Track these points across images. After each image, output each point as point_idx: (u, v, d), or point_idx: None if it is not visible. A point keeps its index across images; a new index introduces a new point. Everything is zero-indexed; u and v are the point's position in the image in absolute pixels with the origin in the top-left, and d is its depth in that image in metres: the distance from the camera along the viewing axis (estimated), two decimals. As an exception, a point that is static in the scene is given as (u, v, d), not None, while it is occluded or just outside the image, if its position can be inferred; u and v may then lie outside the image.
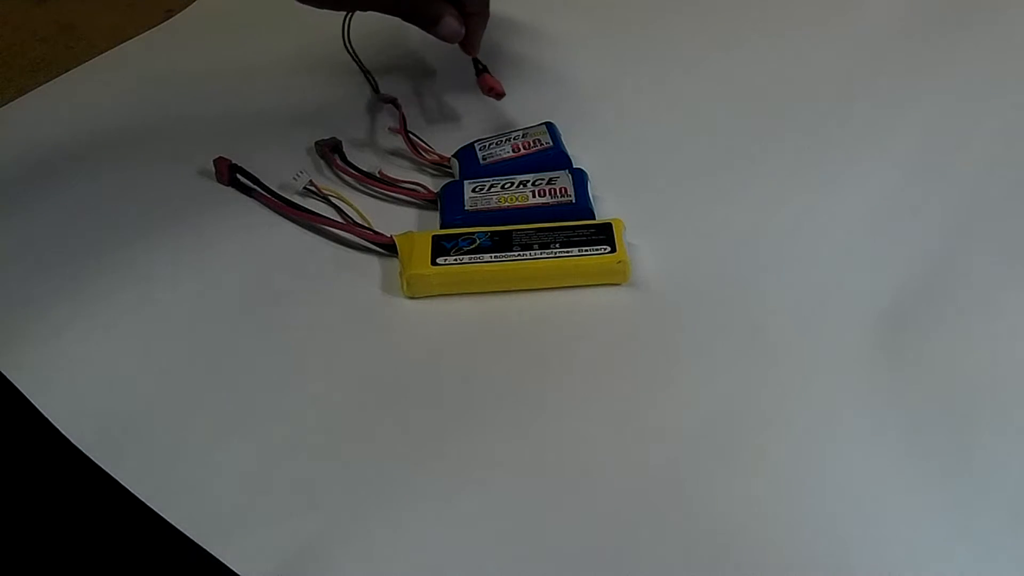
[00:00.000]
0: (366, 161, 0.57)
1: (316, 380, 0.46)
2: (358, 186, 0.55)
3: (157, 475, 0.42)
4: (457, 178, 0.54)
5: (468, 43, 0.58)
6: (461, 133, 0.57)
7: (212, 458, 0.43)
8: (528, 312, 0.48)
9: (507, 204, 0.52)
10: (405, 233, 0.51)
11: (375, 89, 0.63)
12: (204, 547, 0.39)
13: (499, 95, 0.58)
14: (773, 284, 0.49)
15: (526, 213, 0.51)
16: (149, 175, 0.57)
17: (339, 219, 0.53)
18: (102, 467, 0.42)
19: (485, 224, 0.51)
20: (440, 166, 0.56)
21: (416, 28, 0.57)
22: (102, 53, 0.67)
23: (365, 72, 0.63)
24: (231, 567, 0.39)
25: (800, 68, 0.63)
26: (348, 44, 0.63)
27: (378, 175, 0.55)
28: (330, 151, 0.56)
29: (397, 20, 0.57)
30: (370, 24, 0.61)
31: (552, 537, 0.40)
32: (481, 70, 0.59)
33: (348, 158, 0.56)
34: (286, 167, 0.55)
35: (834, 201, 0.54)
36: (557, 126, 0.56)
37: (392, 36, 0.65)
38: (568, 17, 0.68)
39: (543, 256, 0.49)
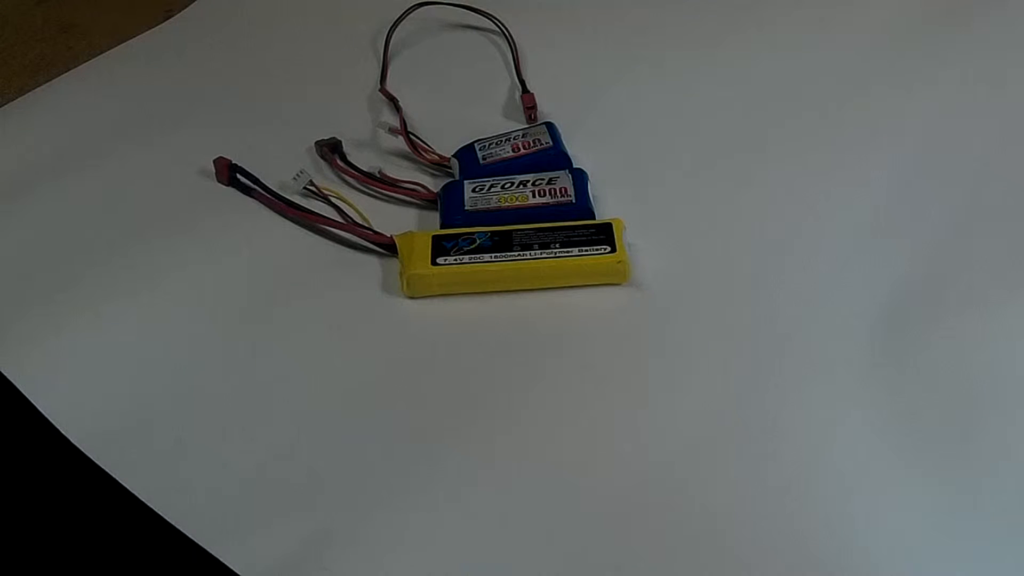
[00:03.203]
0: (366, 161, 0.56)
1: (316, 380, 0.46)
2: (358, 186, 0.55)
3: (157, 475, 0.42)
4: (457, 178, 0.54)
5: None
6: (461, 133, 0.57)
7: (212, 458, 0.43)
8: (528, 312, 0.48)
9: (507, 204, 0.52)
10: (405, 233, 0.51)
11: (381, 81, 0.63)
12: (204, 547, 0.39)
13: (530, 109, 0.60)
14: (773, 284, 0.49)
15: (526, 213, 0.51)
16: (149, 175, 0.57)
17: (339, 219, 0.53)
18: (102, 467, 0.42)
19: (485, 224, 0.51)
20: (440, 166, 0.56)
21: (421, 33, 0.56)
22: (102, 53, 0.67)
23: (384, 64, 0.63)
24: (231, 567, 0.39)
25: (800, 69, 0.63)
26: (390, 35, 0.64)
27: (378, 175, 0.55)
28: (330, 151, 0.56)
29: (408, 25, 0.57)
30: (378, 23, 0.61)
31: (551, 537, 0.40)
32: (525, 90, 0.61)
33: (348, 158, 0.56)
34: (286, 167, 0.55)
35: (834, 201, 0.54)
36: (557, 126, 0.56)
37: (398, 38, 0.65)
38: (567, 18, 0.68)
39: (543, 256, 0.49)
